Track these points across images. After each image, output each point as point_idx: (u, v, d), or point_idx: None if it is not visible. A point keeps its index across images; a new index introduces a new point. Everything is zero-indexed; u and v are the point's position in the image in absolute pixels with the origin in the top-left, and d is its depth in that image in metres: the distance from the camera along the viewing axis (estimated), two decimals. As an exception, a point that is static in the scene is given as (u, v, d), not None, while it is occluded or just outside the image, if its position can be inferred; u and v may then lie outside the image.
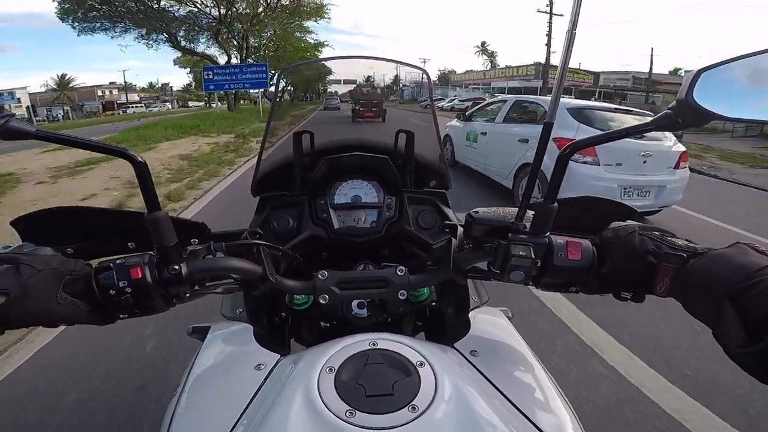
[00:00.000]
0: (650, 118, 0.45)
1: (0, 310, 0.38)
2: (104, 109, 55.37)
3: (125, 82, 61.42)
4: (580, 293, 0.54)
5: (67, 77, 53.85)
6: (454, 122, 6.62)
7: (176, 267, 0.47)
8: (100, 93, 60.10)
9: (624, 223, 0.52)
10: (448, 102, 30.76)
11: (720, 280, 0.39)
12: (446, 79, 59.91)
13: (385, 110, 1.26)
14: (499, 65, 52.23)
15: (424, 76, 0.91)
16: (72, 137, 0.43)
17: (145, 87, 76.69)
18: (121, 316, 0.48)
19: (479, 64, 60.29)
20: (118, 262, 0.46)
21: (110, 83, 62.81)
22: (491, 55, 57.95)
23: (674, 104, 0.43)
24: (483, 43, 59.00)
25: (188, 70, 43.83)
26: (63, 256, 0.47)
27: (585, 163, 3.75)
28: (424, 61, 53.87)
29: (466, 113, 6.27)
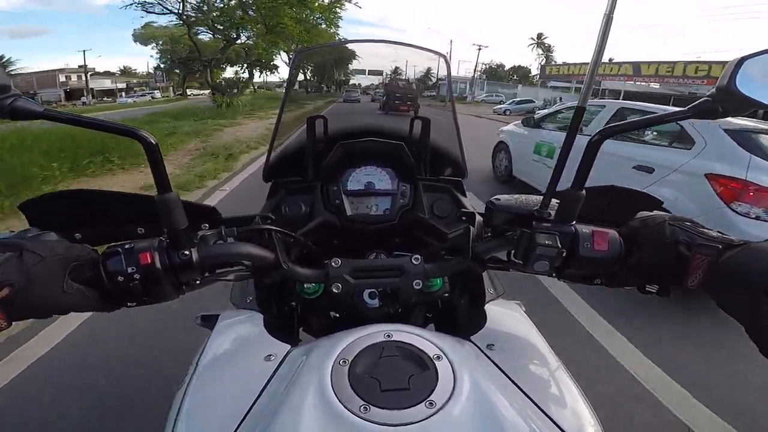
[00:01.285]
0: (688, 106, 0.43)
1: (4, 302, 0.37)
2: (68, 98, 43.97)
3: (85, 65, 45.47)
4: (604, 286, 0.53)
5: (5, 59, 35.42)
6: (513, 127, 5.32)
7: (187, 252, 0.46)
8: (63, 78, 46.79)
9: (653, 213, 0.51)
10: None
11: (758, 275, 0.38)
12: (496, 73, 51.89)
13: (419, 105, 1.26)
14: (555, 61, 45.75)
15: (443, 61, 0.88)
16: (81, 117, 0.42)
17: (129, 69, 60.12)
18: (129, 304, 0.46)
19: (531, 59, 56.14)
20: (126, 246, 0.45)
21: (79, 66, 46.29)
22: (547, 50, 52.41)
23: (713, 91, 0.42)
24: (539, 36, 52.55)
25: (154, 45, 29.86)
26: (69, 241, 0.45)
27: (758, 218, 2.29)
28: (480, 48, 50.50)
29: (536, 117, 4.97)
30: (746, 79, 0.41)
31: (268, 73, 35.10)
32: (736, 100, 0.41)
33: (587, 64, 0.45)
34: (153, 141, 0.43)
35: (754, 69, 0.42)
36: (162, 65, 36.59)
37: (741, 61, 0.41)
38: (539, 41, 52.11)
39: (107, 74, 54.66)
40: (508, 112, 23.53)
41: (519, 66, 44.87)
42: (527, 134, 4.84)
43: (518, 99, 29.03)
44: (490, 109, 26.66)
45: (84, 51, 53.38)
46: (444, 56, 0.86)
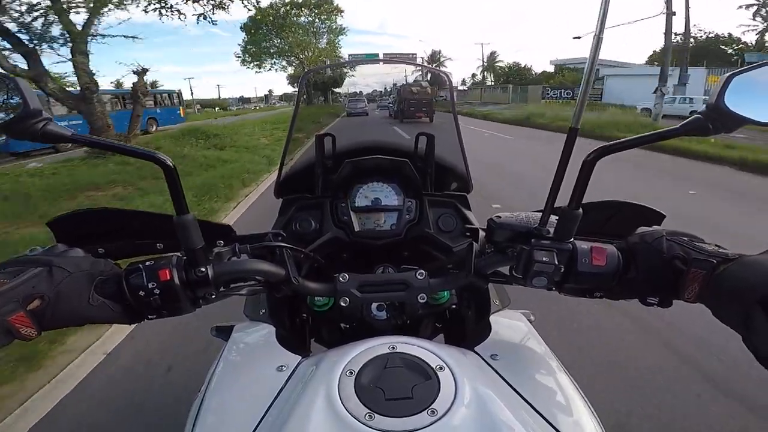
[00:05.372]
0: (679, 124, 0.44)
1: (36, 313, 0.40)
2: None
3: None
4: (605, 299, 0.54)
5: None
6: None
7: (203, 269, 0.49)
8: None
9: (651, 229, 0.52)
10: None
11: (752, 287, 0.38)
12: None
13: (434, 111, 1.21)
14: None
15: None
16: (105, 141, 0.46)
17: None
18: (149, 316, 0.49)
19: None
20: (147, 263, 0.47)
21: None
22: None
23: (704, 109, 0.44)
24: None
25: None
26: (94, 256, 0.49)
27: None
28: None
29: None
30: (735, 96, 0.42)
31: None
32: (726, 117, 0.42)
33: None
34: (171, 164, 0.46)
35: (743, 86, 0.42)
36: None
37: (729, 78, 0.42)
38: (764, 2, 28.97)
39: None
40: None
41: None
42: None
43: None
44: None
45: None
46: (447, 75, 0.89)
